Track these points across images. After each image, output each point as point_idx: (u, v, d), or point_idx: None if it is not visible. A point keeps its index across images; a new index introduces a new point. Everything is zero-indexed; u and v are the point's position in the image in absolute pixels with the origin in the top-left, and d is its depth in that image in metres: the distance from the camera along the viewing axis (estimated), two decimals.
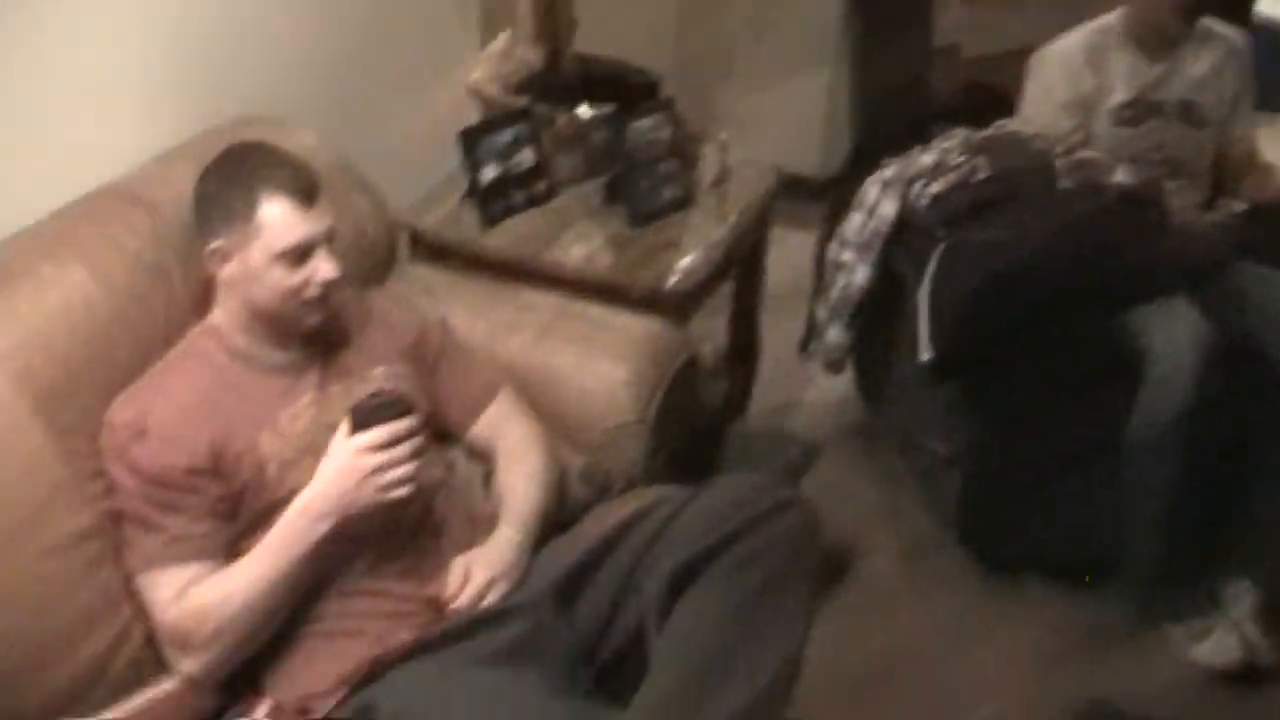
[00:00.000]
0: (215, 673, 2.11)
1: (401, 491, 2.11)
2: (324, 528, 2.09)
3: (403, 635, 2.12)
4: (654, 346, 2.71)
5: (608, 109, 3.33)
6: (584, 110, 3.33)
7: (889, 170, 3.38)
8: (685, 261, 3.09)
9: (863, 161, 3.59)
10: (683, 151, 3.31)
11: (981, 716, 2.94)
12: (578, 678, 2.13)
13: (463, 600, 2.16)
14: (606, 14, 3.51)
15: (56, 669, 2.04)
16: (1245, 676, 3.01)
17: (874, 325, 3.47)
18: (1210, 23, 3.45)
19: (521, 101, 3.30)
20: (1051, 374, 3.08)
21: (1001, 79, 3.73)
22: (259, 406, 2.21)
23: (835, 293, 3.46)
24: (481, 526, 2.32)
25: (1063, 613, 3.20)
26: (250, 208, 2.15)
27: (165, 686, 2.11)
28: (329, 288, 2.21)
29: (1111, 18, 3.41)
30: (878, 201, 3.33)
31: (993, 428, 3.19)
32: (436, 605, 2.18)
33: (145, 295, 2.31)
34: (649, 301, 2.97)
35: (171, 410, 2.14)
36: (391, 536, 2.20)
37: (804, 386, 3.94)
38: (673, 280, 3.03)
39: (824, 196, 3.96)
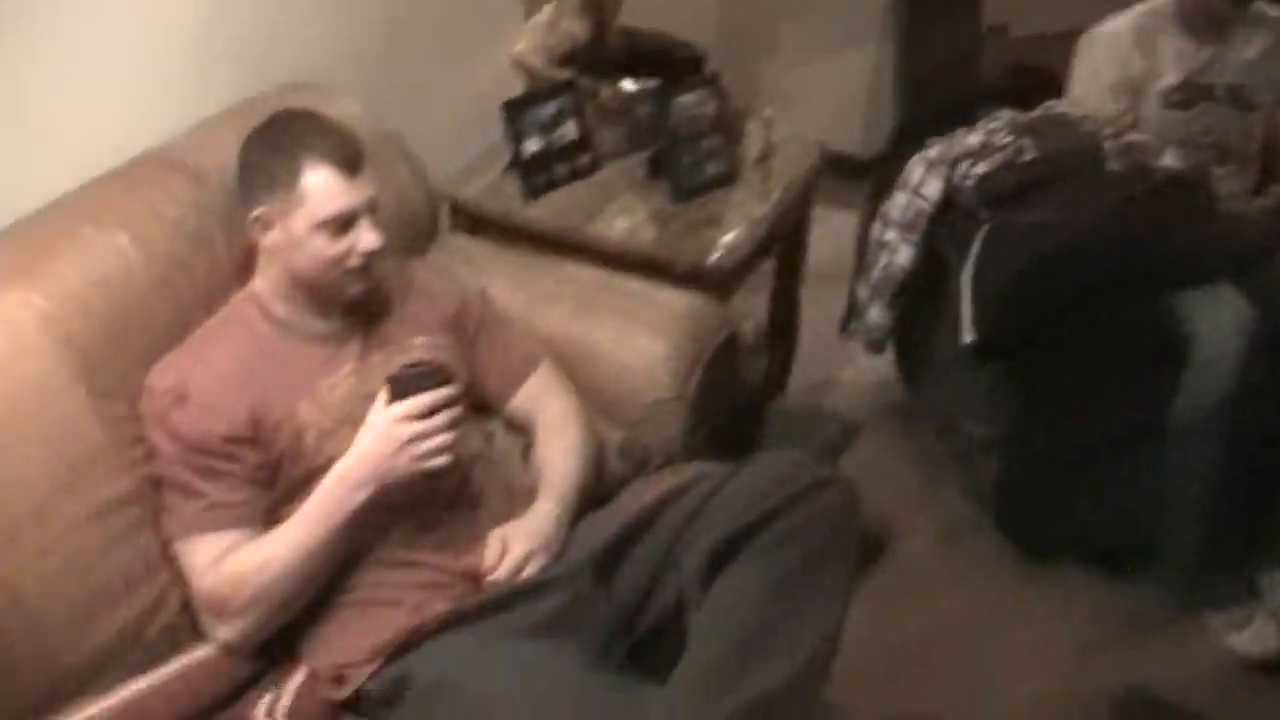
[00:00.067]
0: (251, 639, 2.12)
1: (438, 461, 2.11)
2: (361, 496, 2.09)
3: (439, 606, 2.12)
4: (695, 322, 2.70)
5: (652, 83, 3.31)
6: (628, 84, 3.32)
7: (934, 150, 3.34)
8: (728, 238, 3.07)
9: (907, 140, 3.56)
10: (727, 127, 3.29)
11: (1017, 700, 2.92)
12: (614, 651, 2.13)
13: (500, 573, 2.16)
14: None
15: (91, 631, 2.05)
16: None
17: (915, 306, 3.44)
18: (1262, 6, 3.41)
19: (566, 74, 3.28)
20: (1094, 358, 3.05)
21: (1049, 60, 3.71)
22: (299, 375, 2.21)
23: (877, 272, 3.43)
24: (519, 499, 2.32)
25: (1100, 598, 3.18)
26: (294, 175, 2.14)
27: (201, 653, 2.12)
28: (371, 258, 2.20)
29: (1162, 0, 3.37)
30: (922, 181, 3.30)
31: (1034, 411, 3.16)
32: (473, 577, 2.17)
33: (186, 262, 2.31)
34: (691, 277, 2.95)
35: (212, 377, 2.14)
36: (429, 507, 2.20)
37: (843, 365, 3.93)
38: (715, 256, 3.02)
39: (865, 175, 3.95)
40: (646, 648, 2.15)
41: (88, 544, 2.06)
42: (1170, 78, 3.32)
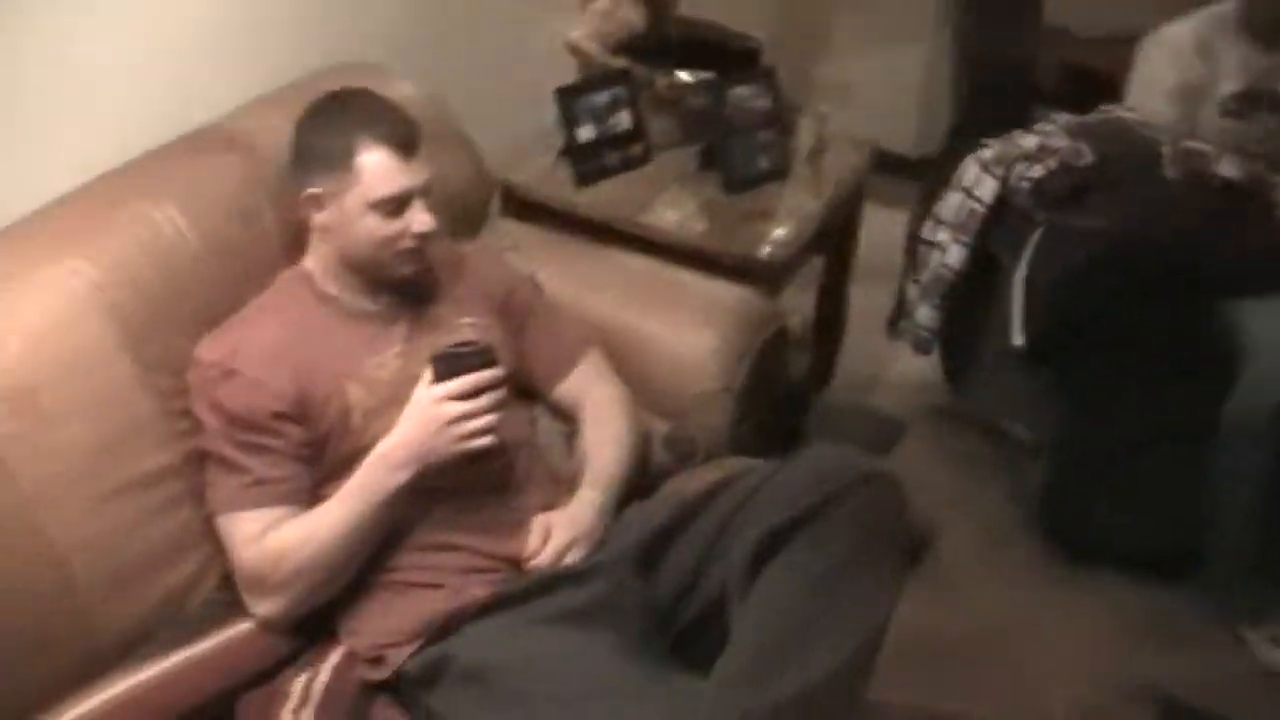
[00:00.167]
0: (290, 615, 2.12)
1: (481, 442, 2.10)
2: (403, 476, 2.09)
3: (479, 590, 2.11)
4: (744, 315, 2.69)
5: (708, 74, 3.30)
6: (684, 75, 3.31)
7: (989, 151, 3.33)
8: (779, 232, 3.06)
9: (961, 140, 3.55)
10: (780, 121, 3.28)
11: (1055, 703, 2.90)
12: (655, 642, 2.12)
13: (542, 559, 2.14)
14: None
15: (130, 601, 2.06)
16: None
17: (962, 307, 3.42)
18: None
19: (620, 62, 3.28)
20: (1144, 363, 3.03)
21: (1108, 63, 3.67)
22: (346, 354, 2.21)
23: (927, 272, 3.42)
24: (563, 487, 2.31)
25: (1142, 604, 3.16)
26: (349, 155, 2.14)
27: (241, 628, 2.12)
28: (423, 240, 2.21)
29: (1225, 6, 3.33)
30: (977, 181, 3.29)
31: (1082, 416, 3.14)
32: (515, 563, 2.16)
33: (236, 238, 2.32)
34: (741, 270, 2.94)
35: (259, 352, 2.14)
36: (472, 491, 2.19)
37: (888, 364, 3.92)
38: (765, 250, 3.00)
39: (915, 174, 3.93)
40: (689, 639, 2.13)
41: (131, 513, 2.07)
42: (1231, 85, 3.28)
